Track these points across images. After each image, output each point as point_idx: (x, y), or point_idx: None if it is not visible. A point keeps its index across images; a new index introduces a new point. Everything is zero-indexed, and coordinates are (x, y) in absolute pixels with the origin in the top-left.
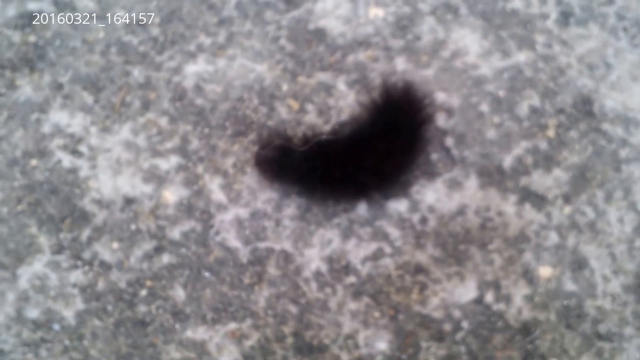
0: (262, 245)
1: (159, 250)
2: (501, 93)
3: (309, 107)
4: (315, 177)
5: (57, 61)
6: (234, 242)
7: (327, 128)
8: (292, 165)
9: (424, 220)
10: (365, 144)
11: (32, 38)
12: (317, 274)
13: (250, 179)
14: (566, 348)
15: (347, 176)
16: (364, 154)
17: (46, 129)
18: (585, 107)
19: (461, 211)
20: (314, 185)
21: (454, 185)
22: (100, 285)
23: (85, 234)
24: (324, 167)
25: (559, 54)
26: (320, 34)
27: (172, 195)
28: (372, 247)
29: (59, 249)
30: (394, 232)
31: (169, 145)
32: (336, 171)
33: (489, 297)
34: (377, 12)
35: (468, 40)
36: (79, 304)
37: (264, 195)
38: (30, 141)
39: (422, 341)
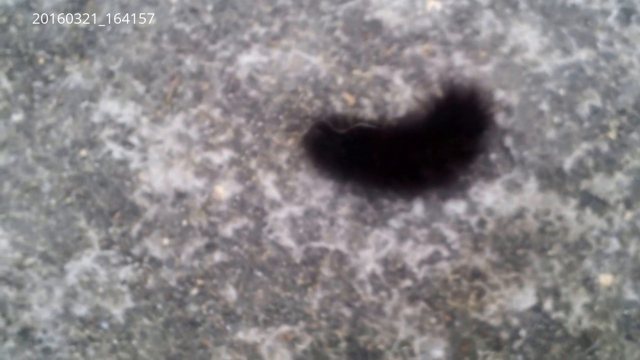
0: (315, 244)
1: (210, 247)
2: (561, 92)
3: (365, 101)
4: (366, 167)
5: (108, 48)
6: (287, 241)
7: (383, 123)
8: (334, 149)
9: (482, 223)
10: (424, 139)
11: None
12: (372, 277)
13: (305, 175)
14: None
15: (402, 170)
16: (422, 149)
17: (96, 118)
18: None
19: (520, 214)
20: (369, 177)
21: (513, 187)
22: (150, 282)
23: (136, 228)
24: (368, 155)
25: (620, 52)
26: (376, 26)
27: (224, 190)
28: (429, 249)
29: (108, 244)
30: (451, 235)
31: (221, 138)
32: (387, 162)
33: (548, 304)
34: (434, 5)
35: (528, 36)
36: (128, 302)
37: (318, 193)
38: (80, 130)
39: (478, 349)
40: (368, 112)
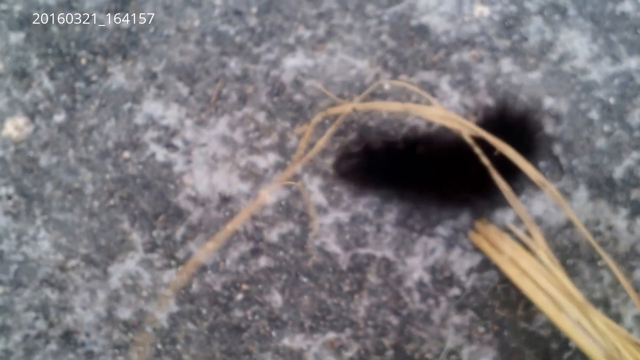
0: (362, 251)
1: (255, 252)
2: (611, 100)
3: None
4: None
5: (151, 49)
6: (333, 247)
7: (430, 130)
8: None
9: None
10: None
11: (125, 23)
12: (420, 284)
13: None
14: None
15: (449, 185)
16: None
17: (139, 120)
18: None
19: (570, 224)
20: (414, 192)
21: (563, 196)
22: (195, 287)
23: (180, 232)
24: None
25: None
26: (423, 31)
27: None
28: (477, 258)
29: (152, 247)
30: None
31: (266, 142)
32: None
33: None
34: (482, 10)
35: (577, 43)
36: (172, 306)
37: (365, 199)
38: (123, 132)
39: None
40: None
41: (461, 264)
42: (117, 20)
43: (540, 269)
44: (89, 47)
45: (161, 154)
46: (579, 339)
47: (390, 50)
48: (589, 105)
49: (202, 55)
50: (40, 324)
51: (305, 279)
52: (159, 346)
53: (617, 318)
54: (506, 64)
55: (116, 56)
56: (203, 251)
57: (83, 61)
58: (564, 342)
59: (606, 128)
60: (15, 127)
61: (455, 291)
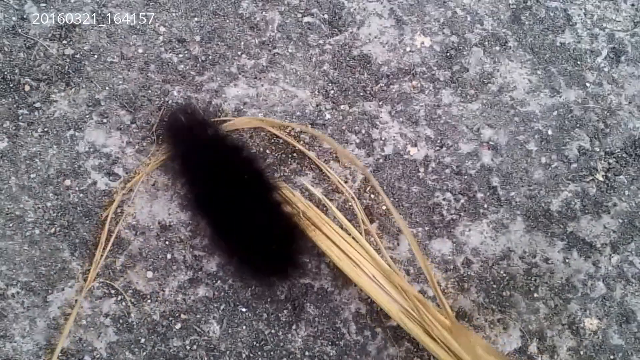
0: (300, 281)
1: (194, 282)
2: (550, 132)
3: (352, 137)
4: None
5: (94, 76)
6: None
7: (369, 160)
8: None
9: (468, 263)
10: None
11: (69, 50)
12: (357, 315)
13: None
14: None
15: None
16: None
17: (81, 147)
18: (636, 150)
19: (506, 255)
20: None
21: (500, 227)
22: (134, 316)
23: (120, 261)
24: None
25: (609, 93)
26: (364, 61)
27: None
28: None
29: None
30: (437, 274)
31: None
32: None
33: (533, 347)
34: (423, 40)
35: (516, 74)
36: (111, 335)
37: None
38: (65, 160)
39: None
40: (353, 148)
41: None
42: (62, 47)
43: (340, 232)
44: (32, 74)
45: (102, 182)
46: (377, 296)
47: (332, 79)
48: (527, 137)
49: (145, 83)
50: None
51: (243, 309)
52: None
53: (553, 350)
54: (446, 95)
55: (60, 83)
56: None
57: (27, 88)
58: None
59: (544, 160)
60: None
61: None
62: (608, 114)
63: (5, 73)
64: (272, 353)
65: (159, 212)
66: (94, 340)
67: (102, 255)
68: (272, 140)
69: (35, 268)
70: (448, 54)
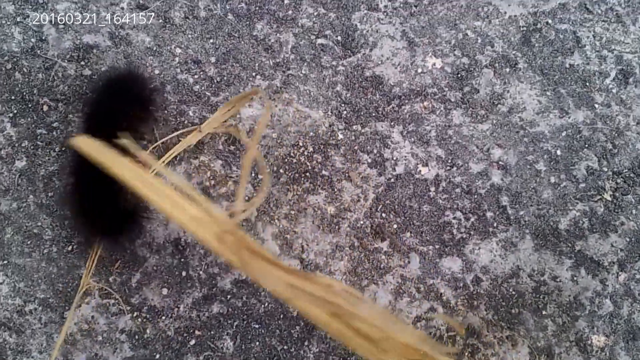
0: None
1: (208, 298)
2: (558, 152)
3: (364, 157)
4: None
5: None
6: None
7: (381, 180)
8: None
9: (477, 281)
10: None
11: (86, 71)
12: None
13: (304, 228)
14: None
15: None
16: None
17: None
18: None
19: (515, 273)
20: None
21: (509, 245)
22: (149, 332)
23: (135, 278)
24: None
25: (617, 114)
26: (376, 82)
27: None
28: (425, 306)
29: (108, 293)
30: (447, 292)
31: (222, 190)
32: None
33: None
34: (435, 62)
35: (526, 95)
36: (127, 351)
37: (316, 247)
38: None
39: None
40: (365, 168)
41: (409, 311)
42: (80, 68)
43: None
44: (51, 95)
45: None
46: (194, 228)
47: (345, 100)
48: (536, 157)
49: (162, 104)
50: None
51: (256, 325)
52: None
53: None
54: (457, 115)
55: (77, 104)
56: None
57: (45, 108)
58: None
59: (553, 179)
60: None
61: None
62: (616, 134)
63: (25, 93)
64: None
65: (174, 230)
66: (110, 355)
67: (90, 268)
68: (286, 160)
69: (52, 285)
70: (459, 75)
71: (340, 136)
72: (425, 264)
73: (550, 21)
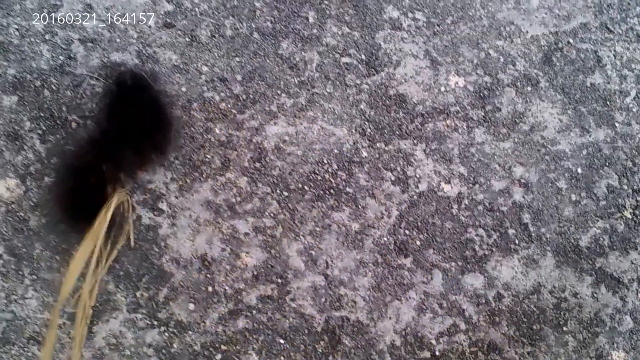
0: (337, 314)
1: (234, 313)
2: (579, 170)
3: (387, 174)
4: None
5: None
6: (309, 309)
7: (404, 197)
8: None
9: (499, 297)
10: None
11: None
12: (392, 347)
13: (328, 245)
14: None
15: None
16: None
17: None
18: None
19: (536, 290)
20: None
21: (530, 262)
22: (176, 346)
23: (163, 293)
24: None
25: (638, 132)
26: (400, 100)
27: (249, 258)
28: (448, 322)
29: (135, 307)
30: (469, 308)
31: (247, 207)
32: None
33: None
34: (457, 81)
35: (547, 114)
36: None
37: (341, 263)
38: None
39: None
40: (389, 185)
41: (432, 327)
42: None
43: None
44: (79, 112)
45: (147, 217)
46: None
47: (369, 118)
48: (557, 175)
49: (188, 121)
50: None
51: (281, 340)
52: None
53: None
54: (479, 133)
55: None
56: None
57: (73, 125)
58: None
59: (574, 197)
60: (7, 188)
61: (425, 354)
62: (636, 152)
63: (53, 110)
64: None
65: (200, 245)
66: None
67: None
68: (311, 177)
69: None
70: (481, 94)
71: (364, 154)
72: (447, 280)
73: (571, 40)
